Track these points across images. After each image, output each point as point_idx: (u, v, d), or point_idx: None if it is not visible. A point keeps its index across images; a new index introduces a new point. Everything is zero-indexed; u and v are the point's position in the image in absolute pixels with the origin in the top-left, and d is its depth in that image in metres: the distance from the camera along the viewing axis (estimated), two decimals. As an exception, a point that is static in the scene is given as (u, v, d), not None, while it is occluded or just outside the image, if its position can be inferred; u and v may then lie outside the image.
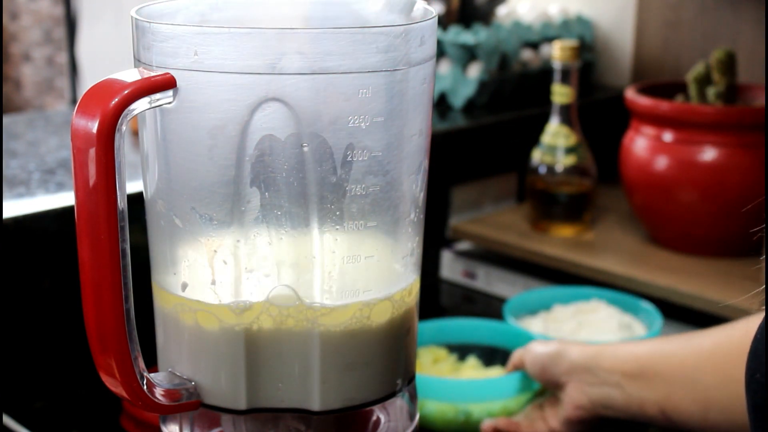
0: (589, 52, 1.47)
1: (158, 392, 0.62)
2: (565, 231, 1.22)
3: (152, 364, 0.67)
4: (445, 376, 0.95)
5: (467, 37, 1.33)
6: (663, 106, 1.13)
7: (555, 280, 1.18)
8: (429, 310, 1.16)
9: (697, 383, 0.78)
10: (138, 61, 0.61)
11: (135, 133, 1.04)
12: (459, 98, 1.33)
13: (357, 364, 0.64)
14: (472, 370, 0.97)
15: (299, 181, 0.59)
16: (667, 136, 1.13)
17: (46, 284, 0.90)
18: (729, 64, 1.14)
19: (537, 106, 1.34)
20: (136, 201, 0.64)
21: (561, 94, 1.20)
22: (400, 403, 0.68)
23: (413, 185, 0.64)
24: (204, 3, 0.68)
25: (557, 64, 1.19)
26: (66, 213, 0.91)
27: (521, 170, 1.32)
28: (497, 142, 1.32)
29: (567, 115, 1.20)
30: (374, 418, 0.68)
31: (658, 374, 0.80)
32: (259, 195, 0.60)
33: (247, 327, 0.62)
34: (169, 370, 0.66)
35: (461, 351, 0.99)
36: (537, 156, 1.22)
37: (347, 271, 0.62)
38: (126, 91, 0.56)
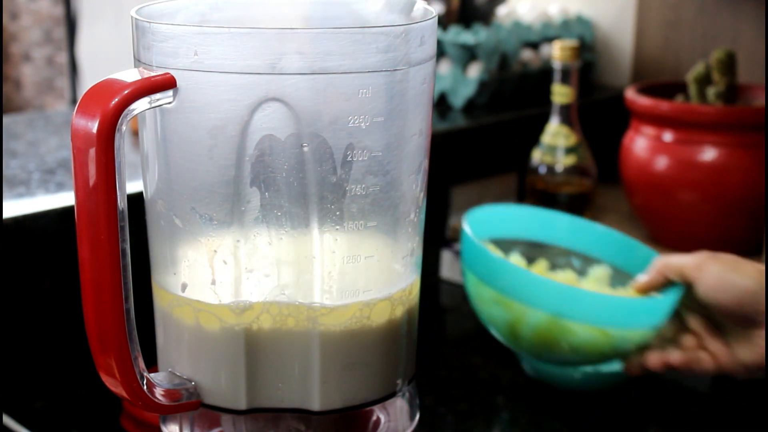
0: (589, 52, 1.47)
1: (158, 392, 0.62)
2: (565, 231, 1.22)
3: (152, 364, 0.67)
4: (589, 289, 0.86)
5: (467, 37, 1.33)
6: (663, 106, 1.13)
7: (555, 280, 1.18)
8: (429, 310, 1.16)
9: None
10: (138, 61, 0.61)
11: (135, 133, 1.04)
12: (459, 98, 1.33)
13: (357, 364, 0.64)
14: (596, 283, 0.89)
15: (299, 181, 0.59)
16: (667, 136, 1.13)
17: (46, 284, 0.90)
18: (729, 64, 1.14)
19: (537, 106, 1.34)
20: (137, 201, 0.64)
21: (561, 94, 1.20)
22: (400, 403, 0.68)
23: (413, 185, 0.64)
24: (204, 3, 0.68)
25: (557, 64, 1.19)
26: (66, 213, 0.91)
27: (521, 170, 1.32)
28: (497, 142, 1.32)
29: (567, 115, 1.20)
30: (374, 418, 0.68)
31: None
32: (259, 195, 0.60)
33: (247, 327, 0.62)
34: (169, 370, 0.66)
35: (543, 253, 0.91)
36: (537, 156, 1.22)
37: (347, 271, 0.62)
38: (126, 91, 0.56)
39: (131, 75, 0.58)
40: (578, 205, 1.22)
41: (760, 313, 0.76)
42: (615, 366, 0.89)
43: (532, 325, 0.81)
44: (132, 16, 0.61)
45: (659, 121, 1.14)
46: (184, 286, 0.63)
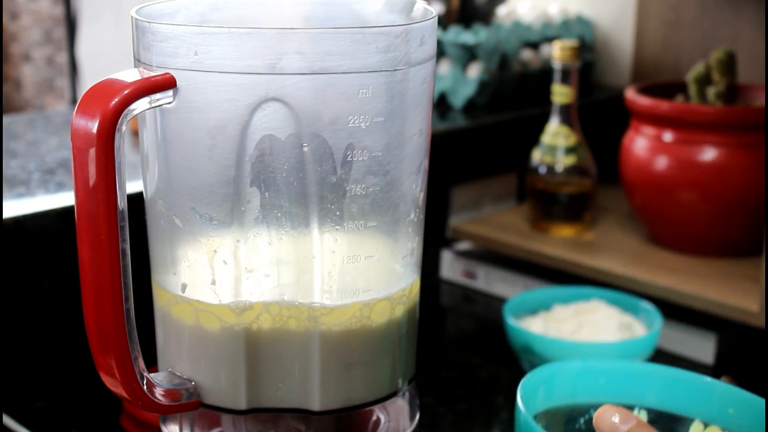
0: (589, 52, 1.47)
1: (158, 392, 0.62)
2: (565, 231, 1.22)
3: (152, 364, 0.67)
4: None
5: (467, 37, 1.33)
6: (663, 106, 1.13)
7: (555, 280, 1.18)
8: (429, 310, 1.16)
9: None
10: (138, 61, 0.61)
11: (135, 133, 1.04)
12: (459, 98, 1.33)
13: (357, 364, 0.64)
14: None
15: (299, 181, 0.59)
16: (667, 136, 1.13)
17: (46, 284, 0.90)
18: (729, 64, 1.14)
19: (537, 106, 1.34)
20: (137, 201, 0.64)
21: (561, 94, 1.20)
22: (400, 403, 0.68)
23: (413, 185, 0.64)
24: (204, 3, 0.68)
25: (557, 64, 1.19)
26: (66, 213, 0.91)
27: (521, 170, 1.32)
28: (497, 142, 1.32)
29: (567, 115, 1.20)
30: (374, 418, 0.68)
31: None
32: (259, 195, 0.60)
33: (247, 327, 0.62)
34: (169, 370, 0.66)
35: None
36: (537, 156, 1.22)
37: (347, 271, 0.62)
38: (126, 91, 0.56)
39: (131, 75, 0.58)
40: (578, 205, 1.22)
41: None
42: None
43: None
44: (132, 16, 0.61)
45: (659, 121, 1.14)
46: (184, 286, 0.63)
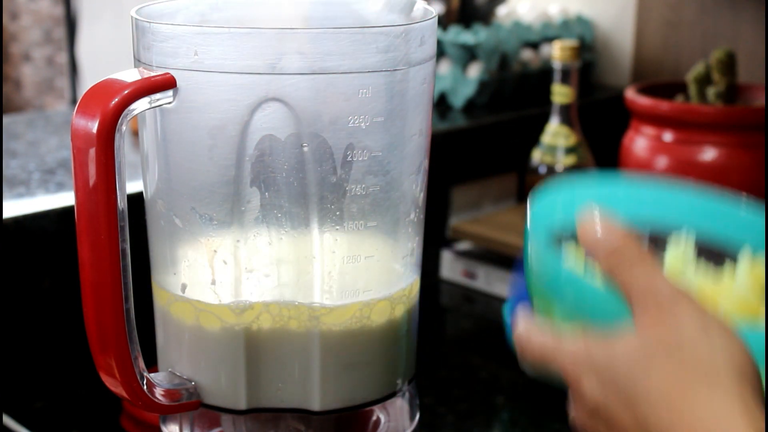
0: (589, 52, 1.47)
1: (158, 392, 0.62)
2: (565, 231, 1.22)
3: (152, 364, 0.67)
4: None
5: (467, 37, 1.33)
6: (663, 106, 1.13)
7: (555, 280, 1.18)
8: (429, 310, 1.16)
9: None
10: (138, 61, 0.61)
11: (135, 133, 1.04)
12: (459, 98, 1.33)
13: (357, 364, 0.64)
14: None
15: (299, 181, 0.59)
16: (667, 136, 1.13)
17: (46, 284, 0.90)
18: (729, 64, 1.14)
19: (537, 106, 1.34)
20: (137, 201, 0.64)
21: (561, 94, 1.19)
22: (400, 403, 0.68)
23: (413, 185, 0.64)
24: (204, 3, 0.68)
25: (557, 64, 1.19)
26: (66, 213, 0.91)
27: (521, 170, 1.32)
28: (497, 142, 1.32)
29: (567, 115, 1.20)
30: (374, 418, 0.68)
31: None
32: (259, 195, 0.60)
33: (247, 327, 0.62)
34: (169, 370, 0.66)
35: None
36: (537, 156, 1.22)
37: (347, 271, 0.62)
38: (126, 91, 0.56)
39: (131, 75, 0.58)
40: (578, 205, 1.22)
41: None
42: None
43: None
44: (132, 16, 0.61)
45: (659, 121, 1.14)
46: (184, 286, 0.63)
